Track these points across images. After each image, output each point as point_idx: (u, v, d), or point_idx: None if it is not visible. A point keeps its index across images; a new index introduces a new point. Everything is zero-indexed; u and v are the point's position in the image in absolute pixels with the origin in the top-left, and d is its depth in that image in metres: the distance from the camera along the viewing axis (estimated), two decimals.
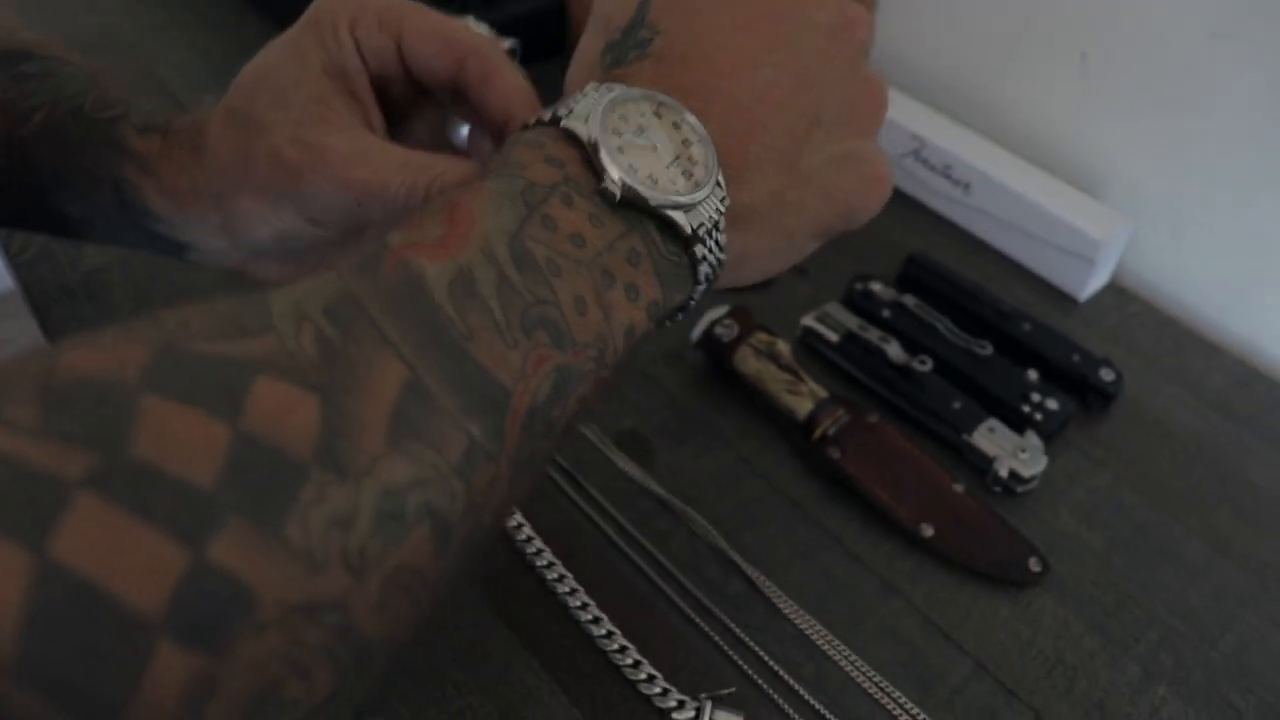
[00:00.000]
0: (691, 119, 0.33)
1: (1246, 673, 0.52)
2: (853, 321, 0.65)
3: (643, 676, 0.49)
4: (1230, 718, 0.50)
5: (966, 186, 0.74)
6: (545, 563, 0.53)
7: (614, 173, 0.31)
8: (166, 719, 0.21)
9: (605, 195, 0.31)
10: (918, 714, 0.49)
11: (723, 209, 0.33)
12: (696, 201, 0.32)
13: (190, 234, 0.42)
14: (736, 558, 0.54)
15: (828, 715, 0.49)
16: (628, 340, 0.32)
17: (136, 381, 0.22)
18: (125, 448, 0.21)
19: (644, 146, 0.32)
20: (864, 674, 0.50)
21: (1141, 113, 0.71)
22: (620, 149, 0.31)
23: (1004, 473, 0.58)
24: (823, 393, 0.60)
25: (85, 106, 0.42)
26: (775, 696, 0.49)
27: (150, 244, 0.44)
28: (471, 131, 0.43)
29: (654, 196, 0.31)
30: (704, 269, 0.33)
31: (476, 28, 0.44)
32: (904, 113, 0.77)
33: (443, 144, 0.44)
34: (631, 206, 0.31)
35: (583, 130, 0.32)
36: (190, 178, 0.41)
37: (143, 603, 0.21)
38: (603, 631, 0.50)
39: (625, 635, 0.50)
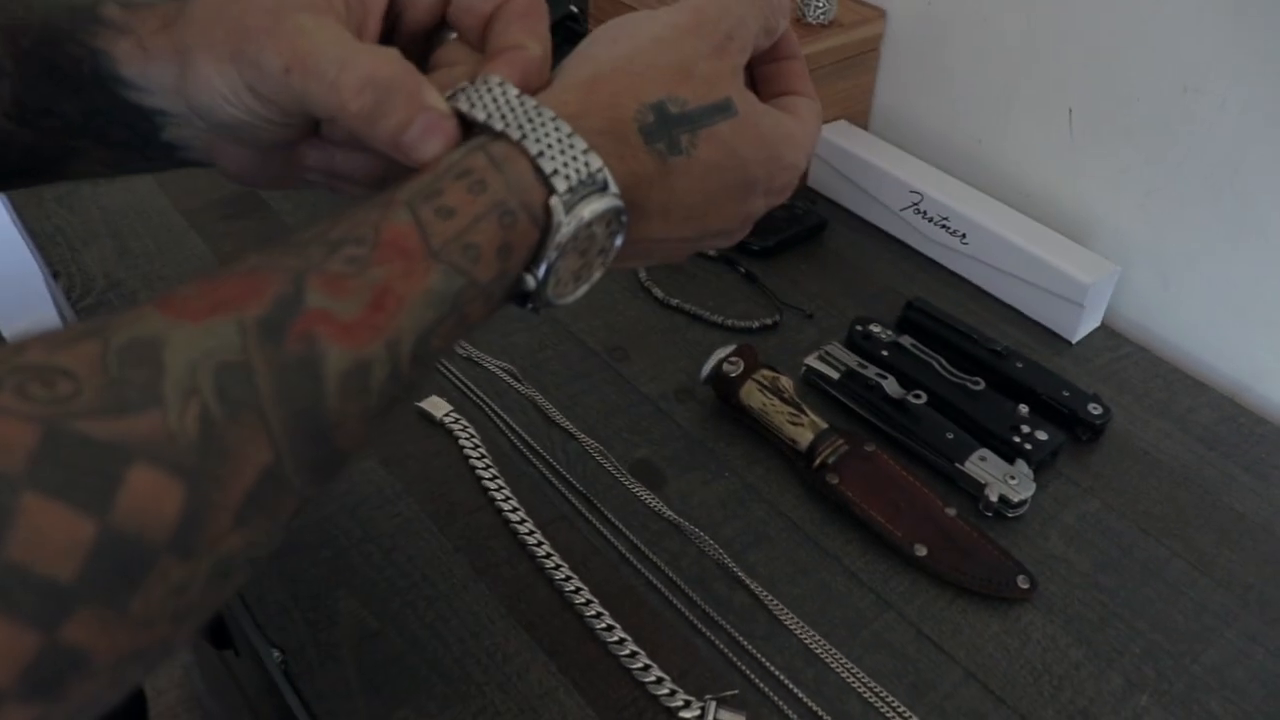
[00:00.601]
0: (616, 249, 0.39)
1: (1226, 684, 0.55)
2: (853, 360, 0.69)
3: (652, 678, 0.53)
4: None
5: (963, 236, 0.79)
6: (563, 576, 0.57)
7: (544, 284, 0.36)
8: None
9: (521, 281, 0.36)
10: (910, 717, 0.52)
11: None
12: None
13: (159, 99, 0.42)
14: (741, 574, 0.58)
15: (825, 717, 0.52)
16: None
17: (21, 472, 0.24)
18: (3, 549, 0.24)
19: (579, 257, 0.37)
20: (860, 680, 0.54)
21: (1126, 164, 0.76)
22: (567, 268, 0.37)
23: (994, 498, 0.61)
24: (823, 424, 0.64)
25: (76, 1, 0.43)
26: (776, 699, 0.53)
27: (133, 133, 0.44)
28: (456, 37, 0.43)
29: (545, 295, 0.36)
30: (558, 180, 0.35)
31: None
32: (904, 169, 0.82)
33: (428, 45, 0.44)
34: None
35: (560, 233, 0.35)
36: (164, 36, 0.41)
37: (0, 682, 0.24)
38: (616, 638, 0.54)
39: (636, 642, 0.54)
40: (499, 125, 0.35)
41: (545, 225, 0.35)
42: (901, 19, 0.87)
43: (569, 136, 0.35)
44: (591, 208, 0.35)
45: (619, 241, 0.38)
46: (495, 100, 0.35)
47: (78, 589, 0.24)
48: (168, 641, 0.27)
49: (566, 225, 0.35)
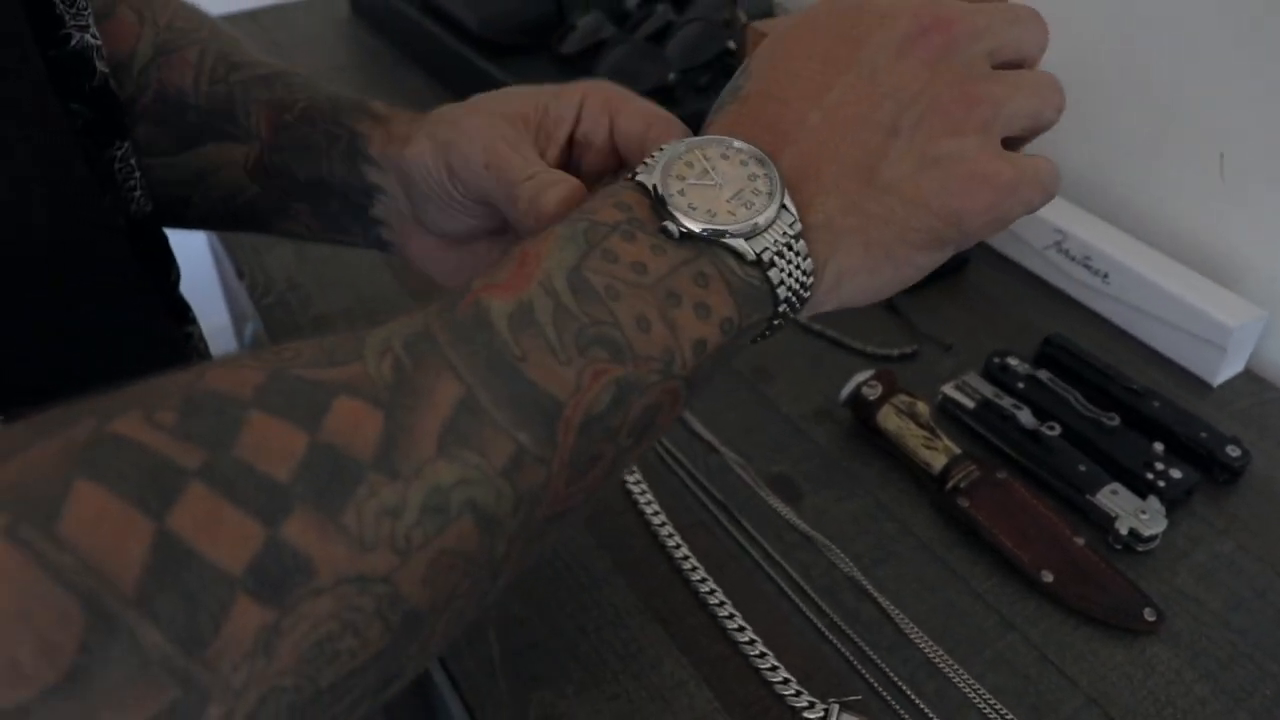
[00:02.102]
0: (759, 157, 0.36)
1: None
2: (989, 390, 0.71)
3: (779, 679, 0.56)
4: None
5: (1105, 276, 0.80)
6: (699, 578, 0.60)
7: (672, 209, 0.35)
8: (243, 653, 0.26)
9: (666, 231, 0.35)
10: None
11: (793, 231, 0.35)
12: (754, 228, 0.35)
13: (381, 175, 0.51)
14: (870, 587, 0.61)
15: None
16: (697, 353, 0.34)
17: (249, 399, 0.29)
18: (230, 448, 0.28)
19: (707, 185, 0.35)
20: (980, 696, 0.56)
21: (1277, 209, 0.76)
22: (682, 191, 0.35)
23: (1124, 531, 0.62)
24: (956, 449, 0.66)
25: (341, 95, 0.53)
26: (898, 707, 0.55)
27: (343, 211, 0.53)
28: None
29: (707, 228, 0.34)
30: (782, 290, 0.35)
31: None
32: (1047, 207, 0.83)
33: None
34: (693, 238, 0.35)
35: (647, 179, 0.36)
36: (410, 125, 0.50)
37: (228, 565, 0.26)
38: (746, 639, 0.57)
39: (766, 644, 0.57)
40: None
41: (637, 182, 0.37)
42: (1053, 61, 0.88)
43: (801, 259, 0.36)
44: (666, 147, 0.37)
45: (749, 153, 0.37)
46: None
47: (293, 488, 0.28)
48: (390, 578, 0.29)
49: (650, 161, 0.37)
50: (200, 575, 0.26)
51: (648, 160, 0.37)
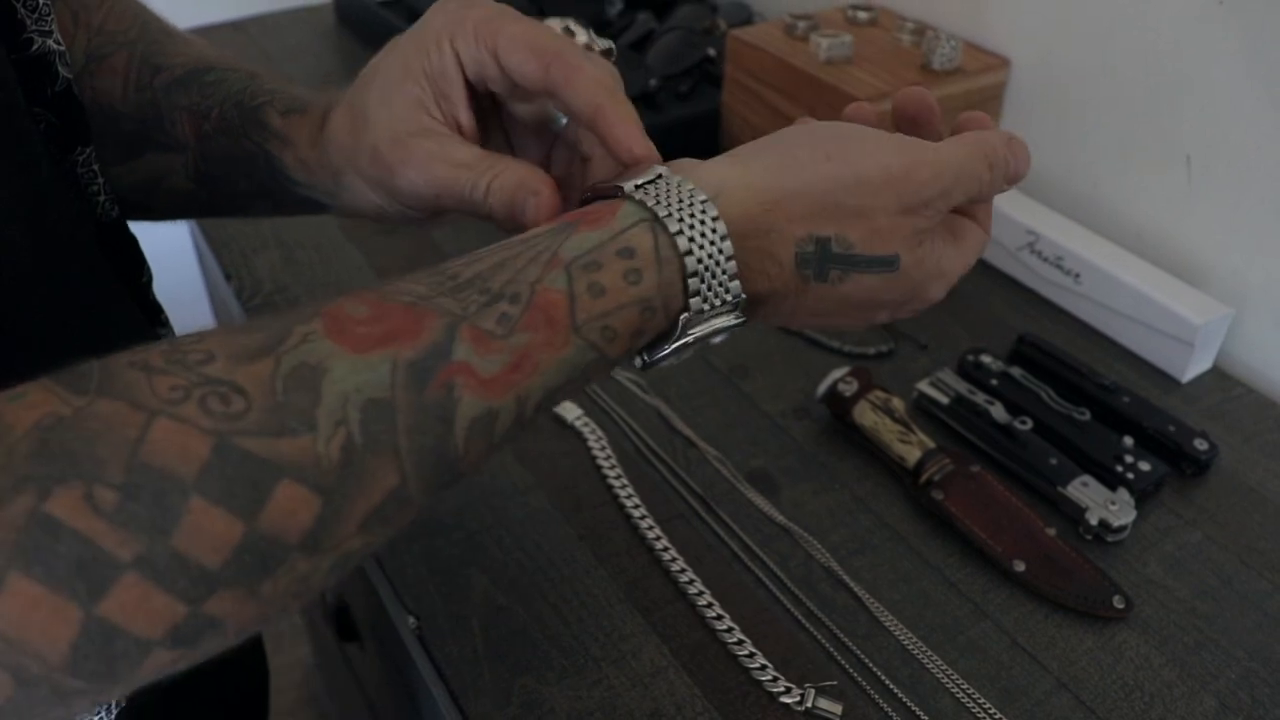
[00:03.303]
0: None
1: None
2: (963, 387, 0.72)
3: (757, 665, 0.57)
4: None
5: (1076, 276, 0.81)
6: (679, 569, 0.62)
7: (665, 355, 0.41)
8: (150, 677, 0.31)
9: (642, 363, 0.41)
10: (999, 717, 0.55)
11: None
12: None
13: (324, 197, 0.52)
14: (846, 578, 0.62)
15: (918, 712, 0.55)
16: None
17: (192, 480, 0.29)
18: (168, 538, 0.29)
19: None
20: (953, 681, 0.57)
21: (1242, 209, 0.78)
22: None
23: (1094, 521, 0.64)
24: (930, 443, 0.67)
25: (244, 99, 0.52)
26: (873, 693, 0.56)
27: (303, 207, 0.54)
28: (568, 121, 0.50)
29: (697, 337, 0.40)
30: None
31: (577, 30, 0.49)
32: (1020, 209, 0.85)
33: (546, 131, 0.50)
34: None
35: (685, 338, 0.40)
36: (317, 152, 0.50)
37: (150, 635, 0.29)
38: (725, 627, 0.58)
39: (744, 631, 0.58)
40: (674, 226, 0.38)
41: (673, 325, 0.40)
42: (1024, 67, 0.91)
43: (726, 261, 0.39)
44: (715, 326, 0.40)
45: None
46: (680, 201, 0.39)
47: (221, 575, 0.30)
48: (286, 611, 0.33)
49: (689, 339, 0.40)
50: (123, 645, 0.29)
51: (712, 295, 0.39)
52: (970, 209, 0.47)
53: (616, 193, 0.40)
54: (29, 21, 0.46)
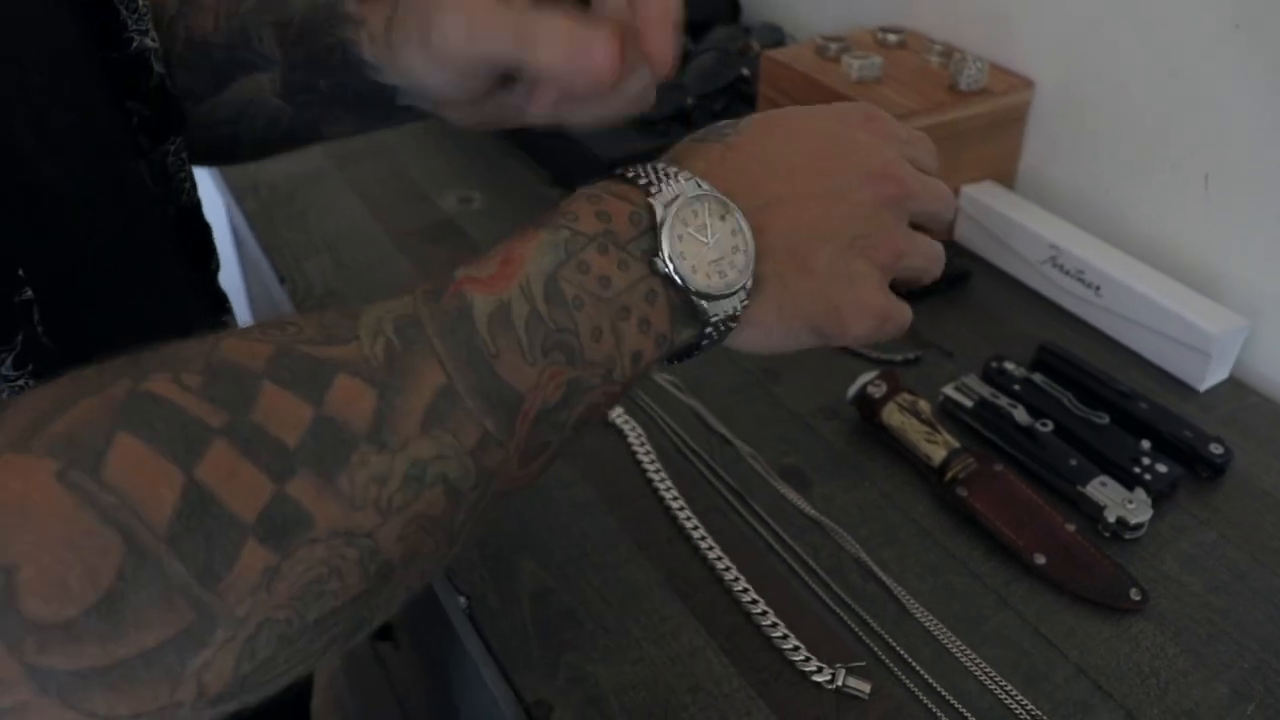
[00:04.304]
0: (746, 233, 0.41)
1: None
2: (987, 391, 0.75)
3: (790, 646, 0.60)
4: None
5: (1097, 288, 0.84)
6: (716, 556, 0.65)
7: (665, 250, 0.39)
8: (249, 589, 0.31)
9: (651, 265, 0.39)
10: (1022, 700, 0.58)
11: (740, 309, 0.41)
12: (721, 296, 0.40)
13: (393, 77, 0.52)
14: (875, 568, 0.65)
15: (942, 692, 0.58)
16: (635, 364, 0.40)
17: (261, 370, 0.33)
18: (248, 413, 0.32)
19: (699, 241, 0.40)
20: (976, 665, 0.60)
21: (1260, 225, 0.81)
22: (680, 237, 0.40)
23: (1112, 519, 0.67)
24: (956, 443, 0.70)
25: (320, 4, 0.55)
26: (899, 674, 0.59)
27: (377, 109, 0.56)
28: None
29: (687, 281, 0.39)
30: (705, 342, 0.42)
31: None
32: (1043, 225, 0.89)
33: None
34: (668, 280, 0.40)
35: (657, 207, 0.40)
36: (388, 31, 0.51)
37: (243, 514, 0.31)
38: (759, 610, 0.62)
39: (777, 615, 0.62)
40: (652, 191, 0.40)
41: (646, 203, 0.40)
42: (1047, 88, 0.94)
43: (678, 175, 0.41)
44: (681, 180, 0.41)
45: (742, 222, 0.41)
46: (673, 185, 0.41)
47: (298, 452, 0.32)
48: (372, 535, 0.33)
49: (664, 192, 0.40)
50: (219, 520, 0.30)
51: (658, 181, 0.40)
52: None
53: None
54: (130, 21, 0.50)
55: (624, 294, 0.39)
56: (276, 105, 0.59)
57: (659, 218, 0.40)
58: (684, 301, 0.40)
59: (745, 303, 0.41)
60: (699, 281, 0.40)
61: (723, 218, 0.41)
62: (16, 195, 0.42)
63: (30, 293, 0.41)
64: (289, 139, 0.61)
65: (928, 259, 0.48)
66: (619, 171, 0.42)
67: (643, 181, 0.41)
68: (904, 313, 0.46)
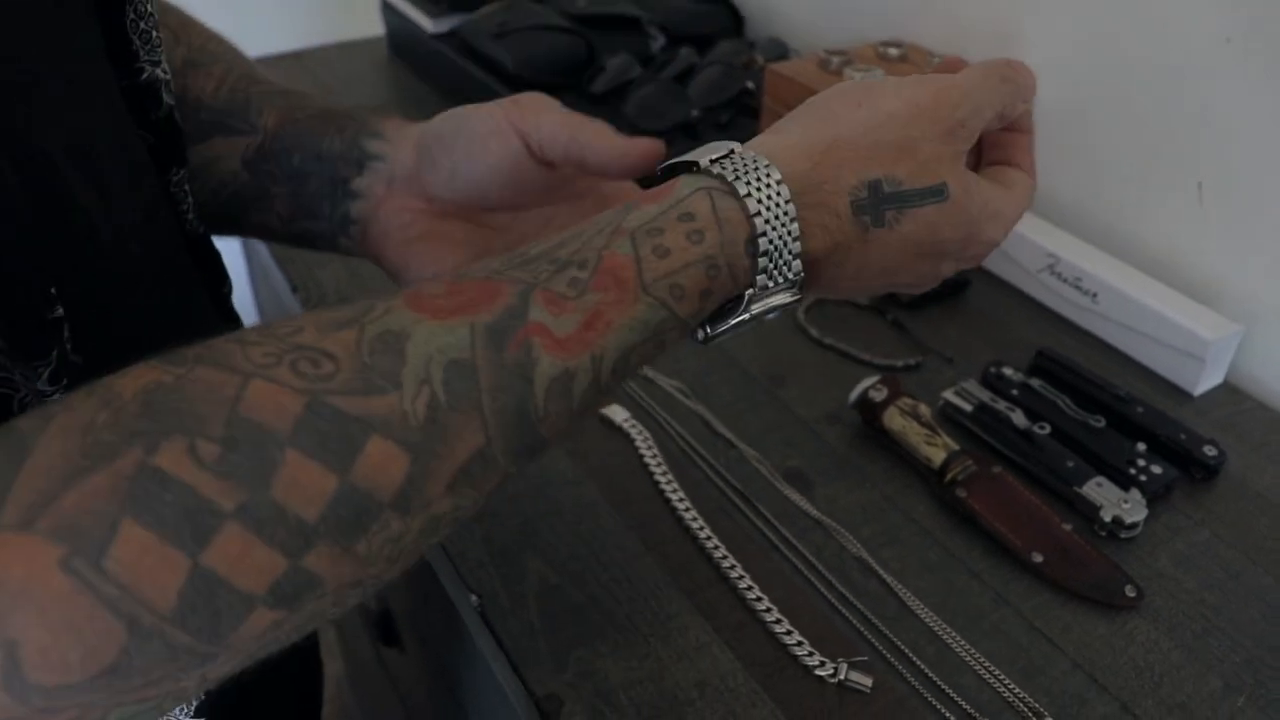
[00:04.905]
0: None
1: None
2: (985, 395, 0.77)
3: (793, 641, 0.61)
4: None
5: (1094, 296, 0.86)
6: (721, 555, 0.67)
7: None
8: (254, 637, 0.32)
9: (702, 335, 0.44)
10: (1020, 693, 0.60)
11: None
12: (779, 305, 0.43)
13: (389, 149, 0.58)
14: (876, 566, 0.67)
15: (942, 685, 0.60)
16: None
17: (287, 435, 0.31)
18: (267, 489, 0.31)
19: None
20: (976, 660, 0.61)
21: (1252, 233, 0.83)
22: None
23: (1108, 518, 0.68)
24: (955, 446, 0.72)
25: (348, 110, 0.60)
26: (901, 669, 0.61)
27: (330, 181, 0.59)
28: None
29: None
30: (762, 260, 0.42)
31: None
32: (1041, 233, 0.91)
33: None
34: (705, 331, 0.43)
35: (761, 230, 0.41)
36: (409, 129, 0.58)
37: (252, 589, 0.31)
38: (764, 607, 0.63)
39: (781, 612, 0.63)
40: (742, 189, 0.41)
41: (741, 289, 0.42)
42: (1045, 99, 0.96)
43: (790, 222, 0.41)
44: (776, 302, 0.43)
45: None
46: (745, 167, 0.42)
47: (318, 528, 0.32)
48: (380, 577, 0.35)
49: (751, 313, 0.43)
50: (227, 598, 0.31)
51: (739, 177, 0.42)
52: (1015, 155, 0.51)
53: (693, 167, 0.43)
54: (142, 52, 0.51)
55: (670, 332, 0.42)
56: (234, 170, 0.61)
57: (736, 320, 0.43)
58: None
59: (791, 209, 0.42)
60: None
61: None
62: (49, 212, 0.43)
63: (61, 310, 0.42)
64: (223, 212, 0.63)
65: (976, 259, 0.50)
66: (717, 173, 0.42)
67: (762, 249, 0.41)
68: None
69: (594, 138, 0.52)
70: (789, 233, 0.41)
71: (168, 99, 0.53)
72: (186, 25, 0.64)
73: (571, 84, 1.12)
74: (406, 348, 0.34)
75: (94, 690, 0.30)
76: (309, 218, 0.61)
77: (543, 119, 0.53)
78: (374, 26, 1.43)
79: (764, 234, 0.41)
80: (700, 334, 0.44)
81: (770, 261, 0.41)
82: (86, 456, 0.30)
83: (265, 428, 0.31)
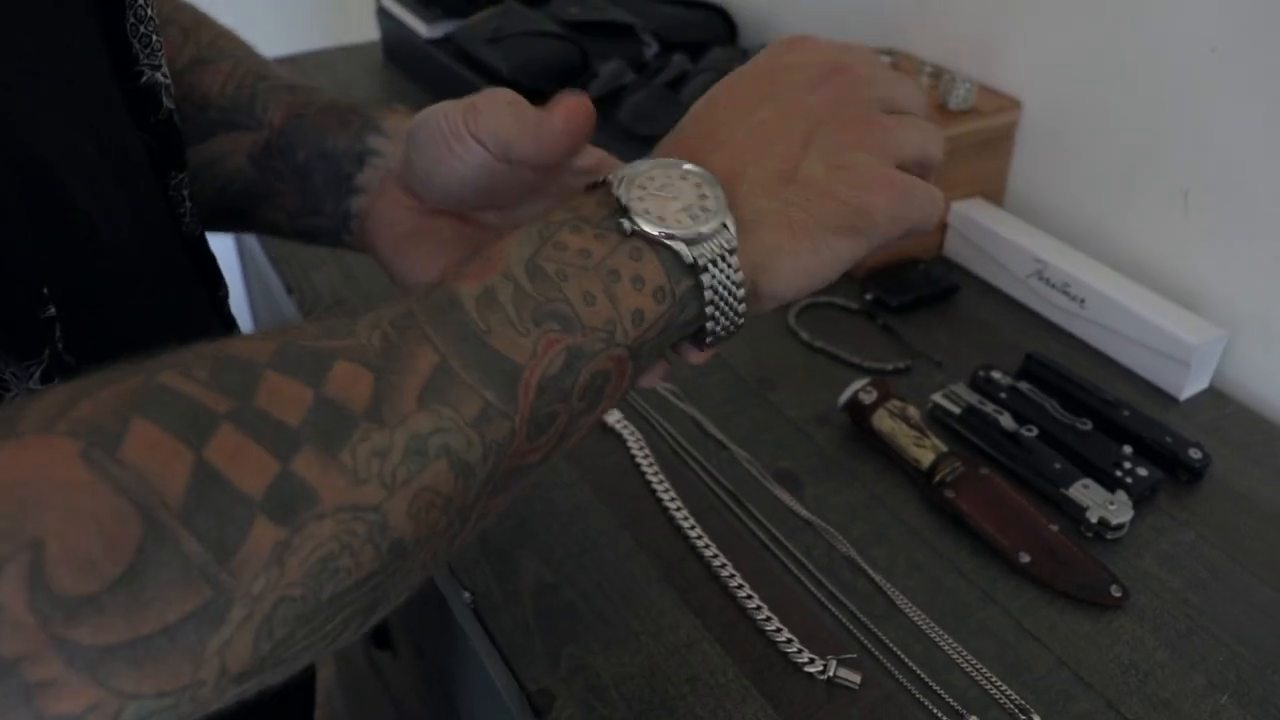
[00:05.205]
0: (710, 180, 0.42)
1: None
2: (974, 398, 0.78)
3: (783, 639, 0.62)
4: None
5: (1082, 301, 0.87)
6: (712, 554, 0.67)
7: (631, 209, 0.41)
8: (261, 564, 0.32)
9: (619, 227, 0.41)
10: (1007, 690, 0.60)
11: (729, 246, 0.41)
12: (698, 236, 0.41)
13: (388, 145, 0.58)
14: (865, 565, 0.68)
15: (930, 683, 0.61)
16: (636, 323, 0.41)
17: (265, 361, 0.35)
18: (252, 398, 0.33)
19: (664, 196, 0.42)
20: (963, 658, 0.62)
21: (1237, 240, 0.84)
22: (640, 199, 0.41)
23: (1094, 519, 0.69)
24: (943, 447, 0.73)
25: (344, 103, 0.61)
26: (889, 666, 0.62)
27: (334, 177, 0.60)
28: None
29: (657, 229, 0.41)
30: (708, 293, 0.42)
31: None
32: (1029, 239, 0.92)
33: None
34: (642, 236, 0.41)
35: (612, 186, 0.42)
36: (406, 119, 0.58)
37: (251, 490, 0.32)
38: (754, 605, 0.64)
39: (771, 610, 0.64)
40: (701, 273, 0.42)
41: (606, 188, 0.43)
42: (1034, 108, 0.97)
43: (738, 303, 0.43)
44: (635, 163, 0.43)
45: (701, 172, 0.43)
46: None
47: (301, 431, 0.34)
48: (379, 508, 0.35)
49: (620, 172, 0.43)
50: (229, 496, 0.32)
51: (610, 176, 0.43)
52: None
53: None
54: (141, 56, 0.52)
55: (608, 259, 0.41)
56: (240, 167, 0.62)
57: (617, 191, 0.42)
58: (669, 252, 0.41)
59: (733, 241, 0.42)
60: (671, 225, 0.41)
61: (683, 177, 0.43)
62: (45, 212, 0.43)
63: (53, 310, 0.43)
64: (223, 211, 0.64)
65: (919, 127, 0.47)
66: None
67: (600, 181, 0.43)
68: (928, 188, 0.46)
69: (546, 135, 0.50)
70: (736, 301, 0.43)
71: (167, 103, 0.53)
72: (199, 23, 0.64)
73: (565, 89, 1.13)
74: (357, 315, 0.38)
75: (112, 611, 0.30)
76: (314, 214, 0.61)
77: (499, 123, 0.51)
78: (369, 32, 1.44)
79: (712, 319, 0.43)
80: (625, 225, 0.43)
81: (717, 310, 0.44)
82: (95, 381, 0.33)
83: (245, 359, 0.35)
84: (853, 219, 0.44)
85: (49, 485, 0.30)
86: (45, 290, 0.42)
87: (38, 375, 0.42)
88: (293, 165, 0.61)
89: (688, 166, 0.43)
